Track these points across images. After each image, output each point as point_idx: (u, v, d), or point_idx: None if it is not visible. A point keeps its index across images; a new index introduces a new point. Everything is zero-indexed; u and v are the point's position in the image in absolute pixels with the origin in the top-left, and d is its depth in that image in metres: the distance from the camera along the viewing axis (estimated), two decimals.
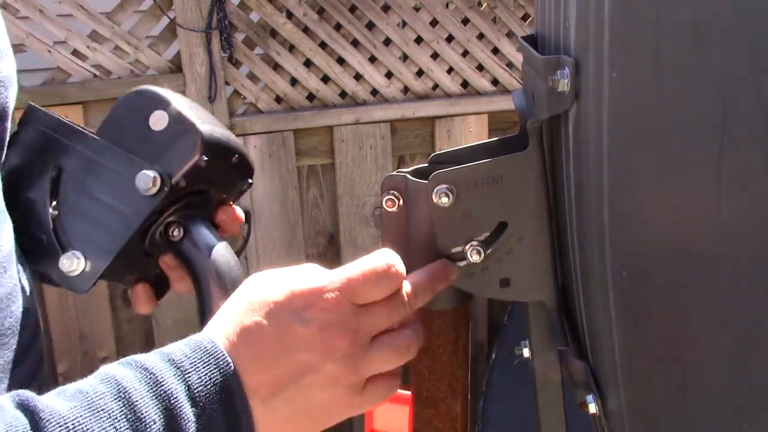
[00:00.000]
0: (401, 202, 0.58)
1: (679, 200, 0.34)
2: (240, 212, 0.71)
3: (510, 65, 2.37)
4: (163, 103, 0.63)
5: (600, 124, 0.42)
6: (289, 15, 2.19)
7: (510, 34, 2.36)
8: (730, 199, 0.30)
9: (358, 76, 2.26)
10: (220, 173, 0.66)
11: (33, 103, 0.64)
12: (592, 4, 0.41)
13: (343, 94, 2.26)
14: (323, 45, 2.21)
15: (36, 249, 0.62)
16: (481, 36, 2.33)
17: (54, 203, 0.62)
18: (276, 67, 2.19)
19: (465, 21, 2.32)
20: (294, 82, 2.23)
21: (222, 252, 0.64)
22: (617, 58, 0.39)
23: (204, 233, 0.65)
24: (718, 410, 0.34)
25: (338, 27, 2.21)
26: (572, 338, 0.58)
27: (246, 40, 2.16)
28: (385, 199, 0.58)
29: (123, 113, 0.64)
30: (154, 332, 2.19)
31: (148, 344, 2.22)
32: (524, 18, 2.37)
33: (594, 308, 0.49)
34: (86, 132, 0.63)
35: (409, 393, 0.64)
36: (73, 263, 0.60)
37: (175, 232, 0.64)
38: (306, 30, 2.19)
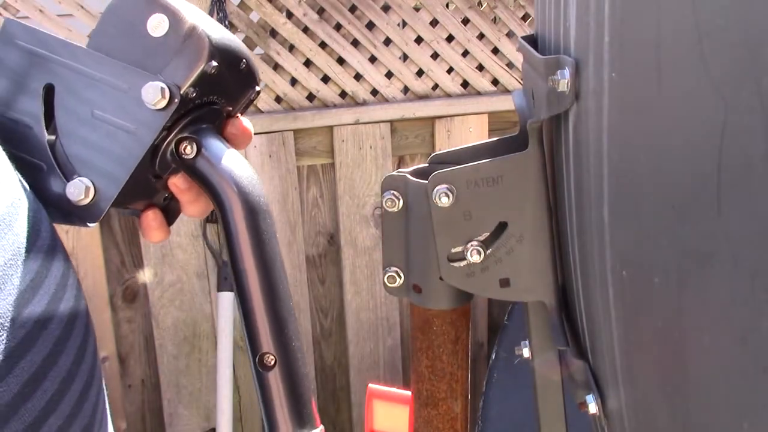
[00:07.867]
0: (401, 202, 0.58)
1: (679, 200, 0.34)
2: (248, 124, 0.67)
3: (510, 65, 2.37)
4: (160, 5, 0.57)
5: (600, 124, 0.42)
6: (289, 15, 2.19)
7: (510, 34, 2.36)
8: (730, 199, 0.30)
9: (358, 76, 2.26)
10: (229, 81, 0.62)
11: (9, 17, 0.60)
12: (592, 4, 0.41)
13: (343, 94, 2.26)
14: (323, 45, 2.21)
15: (37, 181, 0.56)
16: (481, 36, 2.33)
17: (49, 127, 0.57)
18: (276, 67, 2.19)
19: (465, 21, 2.32)
20: (294, 82, 2.23)
21: (239, 162, 0.61)
22: (617, 58, 0.39)
23: (218, 147, 0.60)
24: (718, 410, 0.34)
25: (338, 27, 2.21)
26: (572, 338, 0.58)
27: (246, 40, 2.16)
28: (385, 199, 0.58)
29: (115, 20, 0.58)
30: (154, 332, 2.18)
31: (148, 344, 2.22)
32: (524, 18, 2.37)
33: (594, 308, 0.49)
34: (76, 45, 0.58)
35: (409, 393, 0.64)
36: (81, 191, 0.56)
37: (188, 149, 0.59)
38: (306, 30, 2.19)
